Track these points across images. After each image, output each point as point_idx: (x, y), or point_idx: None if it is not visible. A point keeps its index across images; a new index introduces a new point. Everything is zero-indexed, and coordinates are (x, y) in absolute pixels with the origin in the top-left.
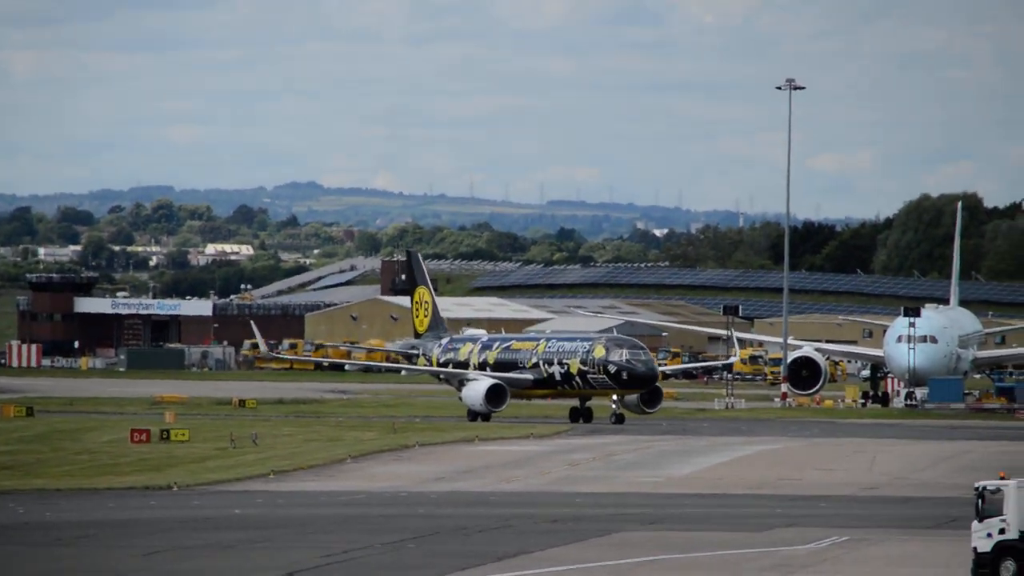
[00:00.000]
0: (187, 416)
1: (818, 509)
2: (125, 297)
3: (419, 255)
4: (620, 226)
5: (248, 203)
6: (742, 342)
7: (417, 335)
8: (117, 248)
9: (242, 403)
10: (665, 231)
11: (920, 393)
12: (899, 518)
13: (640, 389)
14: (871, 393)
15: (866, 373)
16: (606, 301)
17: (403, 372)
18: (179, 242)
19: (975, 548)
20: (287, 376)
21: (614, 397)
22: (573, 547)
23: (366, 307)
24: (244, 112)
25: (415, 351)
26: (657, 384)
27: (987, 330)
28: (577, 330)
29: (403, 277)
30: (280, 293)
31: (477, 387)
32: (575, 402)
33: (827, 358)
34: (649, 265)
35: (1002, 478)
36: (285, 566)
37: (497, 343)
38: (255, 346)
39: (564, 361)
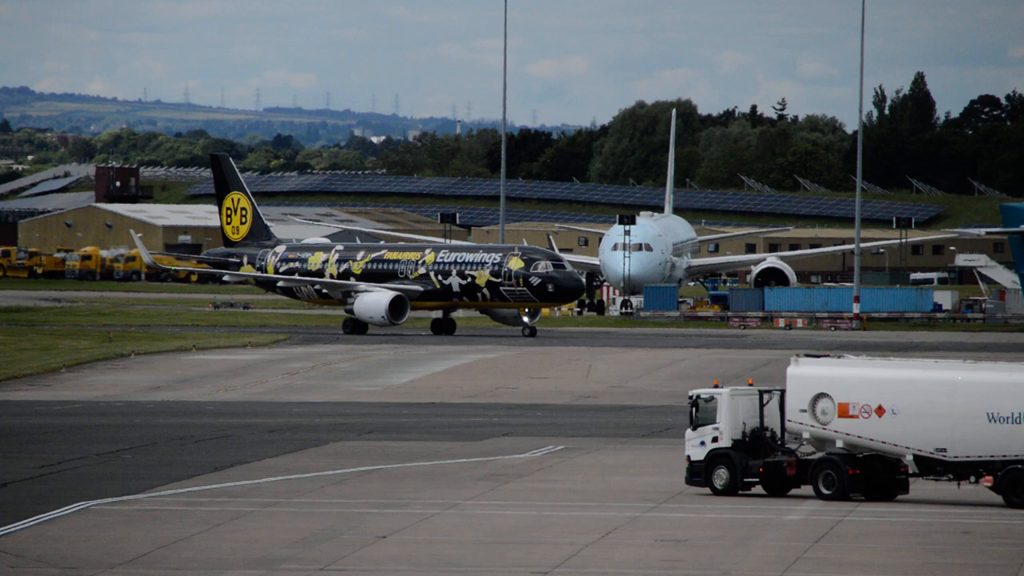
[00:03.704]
0: None
1: (534, 418)
2: None
3: (229, 159)
4: (337, 133)
5: None
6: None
7: (229, 243)
8: None
9: None
10: (383, 138)
11: (635, 301)
12: (614, 426)
13: (564, 302)
14: (587, 301)
15: None
16: (323, 209)
17: (283, 284)
18: None
19: (689, 456)
20: (0, 284)
21: (526, 310)
22: (290, 456)
23: (81, 214)
24: None
25: (234, 259)
26: None
27: (701, 238)
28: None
29: (118, 184)
30: None
31: (377, 298)
32: (483, 314)
33: None
34: (367, 173)
35: (716, 386)
36: None
37: (362, 253)
38: None
39: (467, 272)
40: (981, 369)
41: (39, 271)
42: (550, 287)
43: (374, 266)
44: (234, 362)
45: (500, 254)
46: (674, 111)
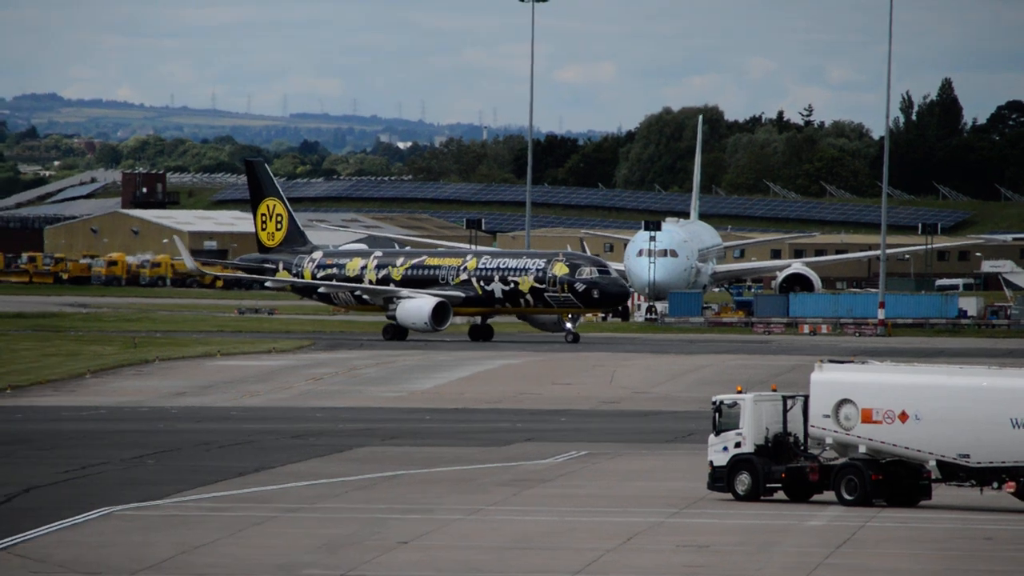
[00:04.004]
0: None
1: (558, 423)
2: None
3: (264, 164)
4: (363, 139)
5: None
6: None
7: (264, 248)
8: None
9: None
10: (409, 144)
11: (660, 307)
12: (638, 432)
13: (609, 308)
14: None
15: None
16: (349, 215)
17: (323, 289)
18: None
19: (711, 462)
20: (26, 290)
21: (571, 316)
22: (315, 462)
23: (107, 220)
24: None
25: (269, 265)
26: None
27: (726, 244)
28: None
29: (144, 190)
30: (19, 206)
31: (420, 304)
32: (522, 320)
33: None
34: (392, 179)
35: (739, 392)
36: (23, 482)
37: (402, 259)
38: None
39: (511, 279)
40: (1005, 375)
41: (65, 277)
42: (595, 292)
43: (414, 272)
44: (259, 368)
45: (544, 260)
46: (700, 117)
